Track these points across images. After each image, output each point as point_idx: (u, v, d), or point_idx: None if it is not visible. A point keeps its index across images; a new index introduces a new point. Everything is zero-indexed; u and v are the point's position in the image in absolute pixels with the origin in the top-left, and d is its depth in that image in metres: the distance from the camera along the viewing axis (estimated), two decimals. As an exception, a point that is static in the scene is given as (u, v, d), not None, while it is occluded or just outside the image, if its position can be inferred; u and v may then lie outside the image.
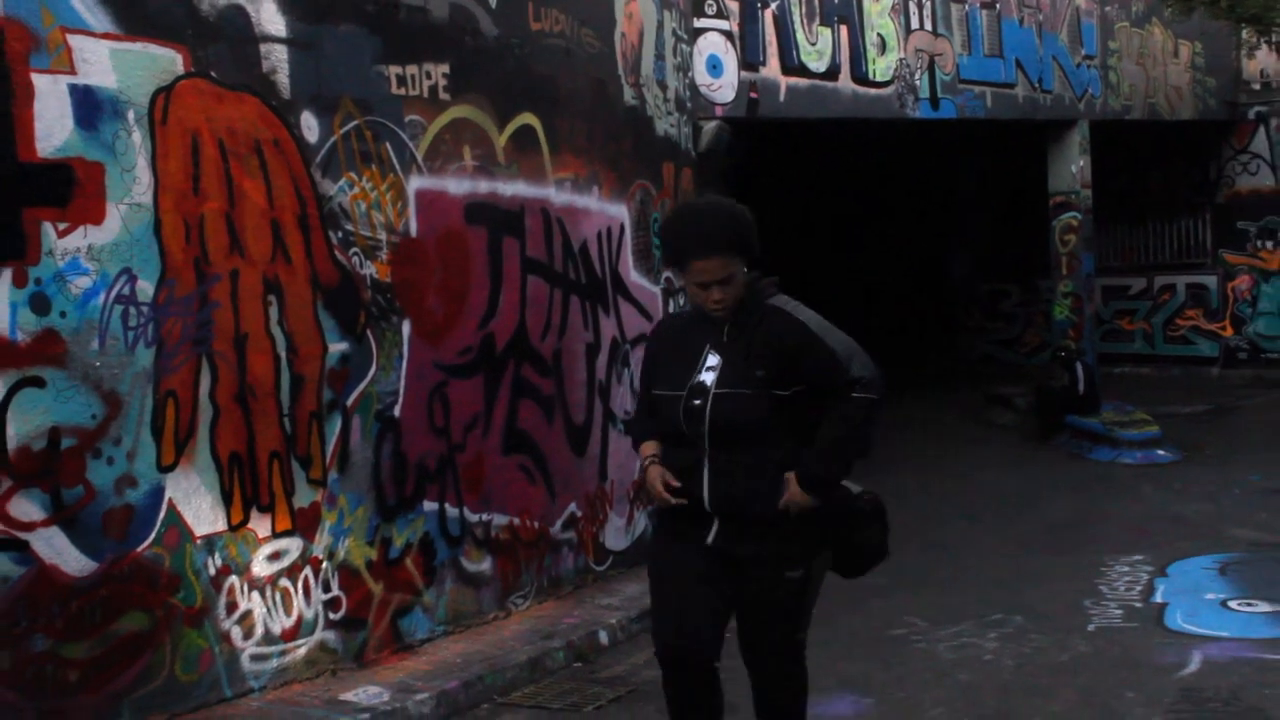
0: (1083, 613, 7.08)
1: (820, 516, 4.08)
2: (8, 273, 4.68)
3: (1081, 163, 15.22)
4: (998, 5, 13.81)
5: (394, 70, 6.39)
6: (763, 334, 4.07)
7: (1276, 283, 18.02)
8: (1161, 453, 12.68)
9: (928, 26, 12.88)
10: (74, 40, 4.89)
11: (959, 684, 5.91)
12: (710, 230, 4.07)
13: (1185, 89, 17.10)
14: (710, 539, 4.09)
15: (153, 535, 5.20)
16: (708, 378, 4.07)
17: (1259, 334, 18.21)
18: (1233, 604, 7.12)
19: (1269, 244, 18.05)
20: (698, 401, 4.05)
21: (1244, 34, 15.55)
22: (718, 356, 4.09)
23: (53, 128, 4.82)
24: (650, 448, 4.26)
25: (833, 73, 11.79)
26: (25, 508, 4.76)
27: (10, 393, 4.70)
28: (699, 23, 10.50)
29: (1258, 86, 18.63)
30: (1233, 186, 18.40)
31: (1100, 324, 19.10)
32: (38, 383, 4.78)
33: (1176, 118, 16.99)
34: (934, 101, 12.94)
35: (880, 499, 4.28)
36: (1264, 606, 6.99)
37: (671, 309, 9.04)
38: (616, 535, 8.13)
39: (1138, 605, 7.18)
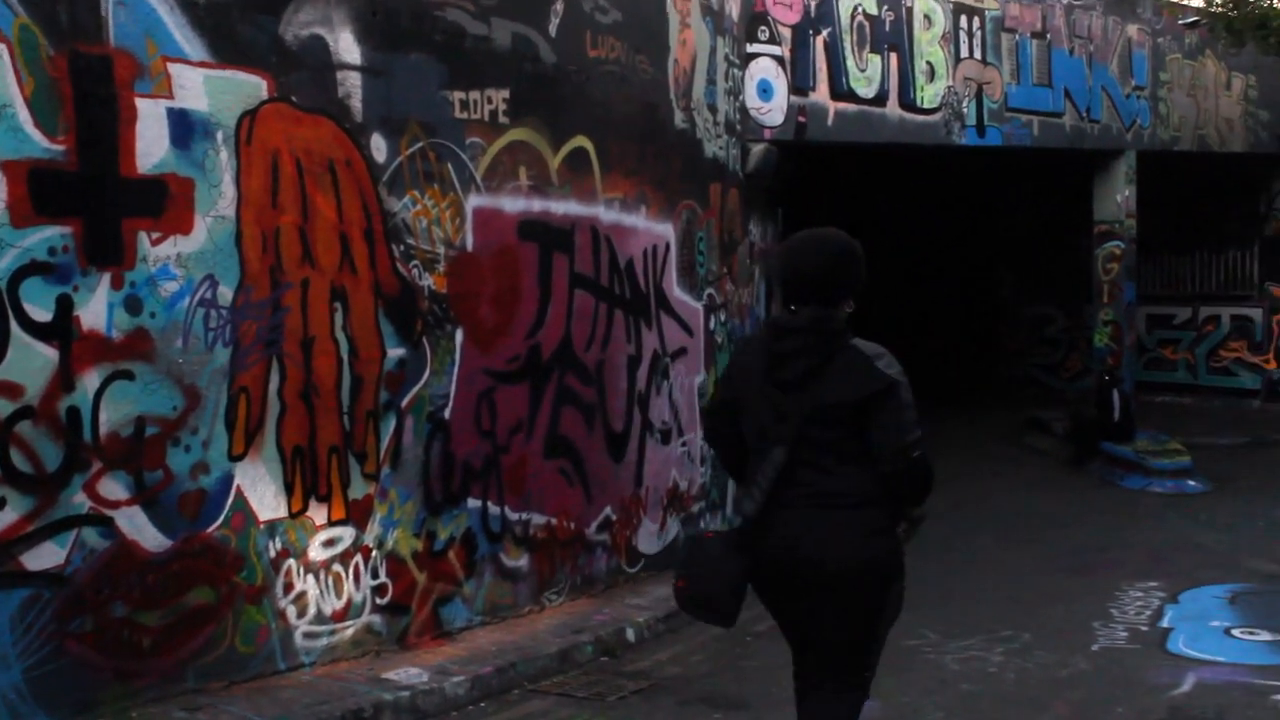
0: (1090, 633, 7.38)
1: None
2: (107, 276, 5.23)
3: (1127, 192, 15.37)
4: (1048, 35, 14.05)
5: (458, 95, 6.86)
6: None
7: (1321, 317, 18.11)
8: (1192, 483, 12.89)
9: (977, 55, 13.17)
10: (173, 68, 5.42)
11: (960, 693, 6.27)
12: None
13: (1237, 121, 17.20)
14: None
15: (221, 518, 5.71)
16: None
17: (1303, 368, 18.27)
18: (1236, 632, 7.38)
19: (1316, 279, 18.15)
20: None
21: (1293, 70, 15.66)
22: None
23: (151, 146, 5.35)
24: None
25: (881, 99, 12.12)
26: (111, 488, 5.29)
27: (104, 385, 5.24)
28: (751, 48, 10.88)
29: (1311, 121, 18.70)
30: (1281, 220, 18.52)
31: (1143, 352, 19.20)
32: (128, 375, 5.32)
33: (1226, 149, 17.08)
34: (980, 129, 13.22)
35: (684, 550, 4.38)
36: (1265, 635, 7.25)
37: (712, 325, 9.45)
38: (649, 539, 8.53)
39: (1144, 629, 7.47)
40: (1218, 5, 14.65)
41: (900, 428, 3.86)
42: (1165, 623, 7.62)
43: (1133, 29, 15.24)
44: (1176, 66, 16.04)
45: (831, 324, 3.96)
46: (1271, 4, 14.29)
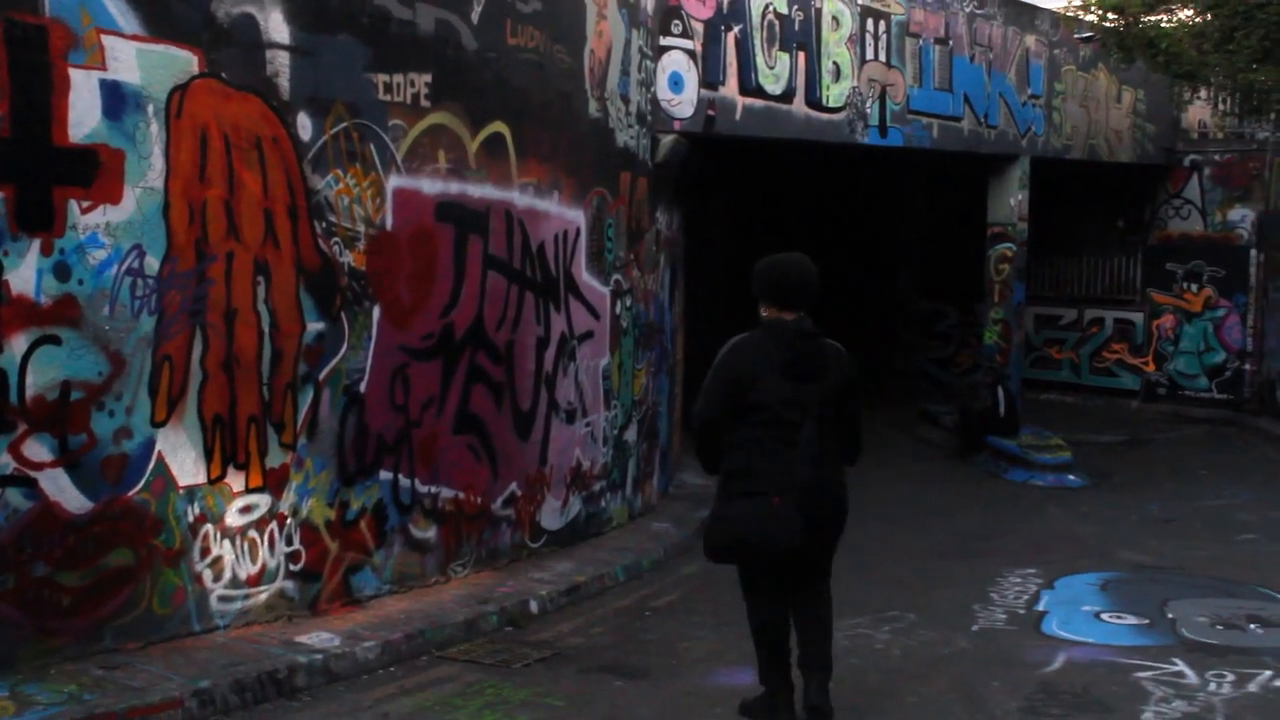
0: (971, 615, 7.78)
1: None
2: (37, 243, 5.33)
3: (1020, 196, 15.88)
4: (950, 41, 14.51)
5: (382, 78, 7.02)
6: None
7: (1198, 324, 18.76)
8: (1071, 478, 13.44)
9: (882, 58, 13.58)
10: (107, 40, 5.54)
11: (849, 666, 6.58)
12: None
13: (1126, 133, 17.89)
14: None
15: (142, 482, 5.85)
16: None
17: (1179, 372, 18.97)
18: (1105, 616, 7.82)
19: (1194, 286, 18.78)
20: None
21: (1176, 88, 16.28)
22: None
23: (83, 117, 5.47)
24: None
25: (788, 96, 12.45)
26: (36, 450, 5.41)
27: (32, 348, 5.35)
28: (664, 40, 11.11)
29: (1195, 135, 19.44)
30: (1164, 229, 19.15)
31: (1031, 351, 19.83)
32: (55, 341, 5.44)
33: (1115, 159, 17.75)
34: (883, 129, 13.63)
35: (715, 521, 5.47)
36: (1131, 619, 7.70)
37: (619, 310, 9.70)
38: (551, 516, 8.77)
39: (1021, 612, 7.89)
40: (1111, 22, 15.20)
41: (860, 409, 5.60)
42: (1041, 606, 8.03)
43: (1031, 40, 15.80)
44: (1071, 78, 16.63)
45: (815, 326, 5.39)
46: (1160, 25, 14.88)
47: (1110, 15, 15.03)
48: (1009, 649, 7.03)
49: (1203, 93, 17.17)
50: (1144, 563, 9.50)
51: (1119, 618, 7.76)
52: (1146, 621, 7.61)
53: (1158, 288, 19.18)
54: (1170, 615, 7.73)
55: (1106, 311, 19.80)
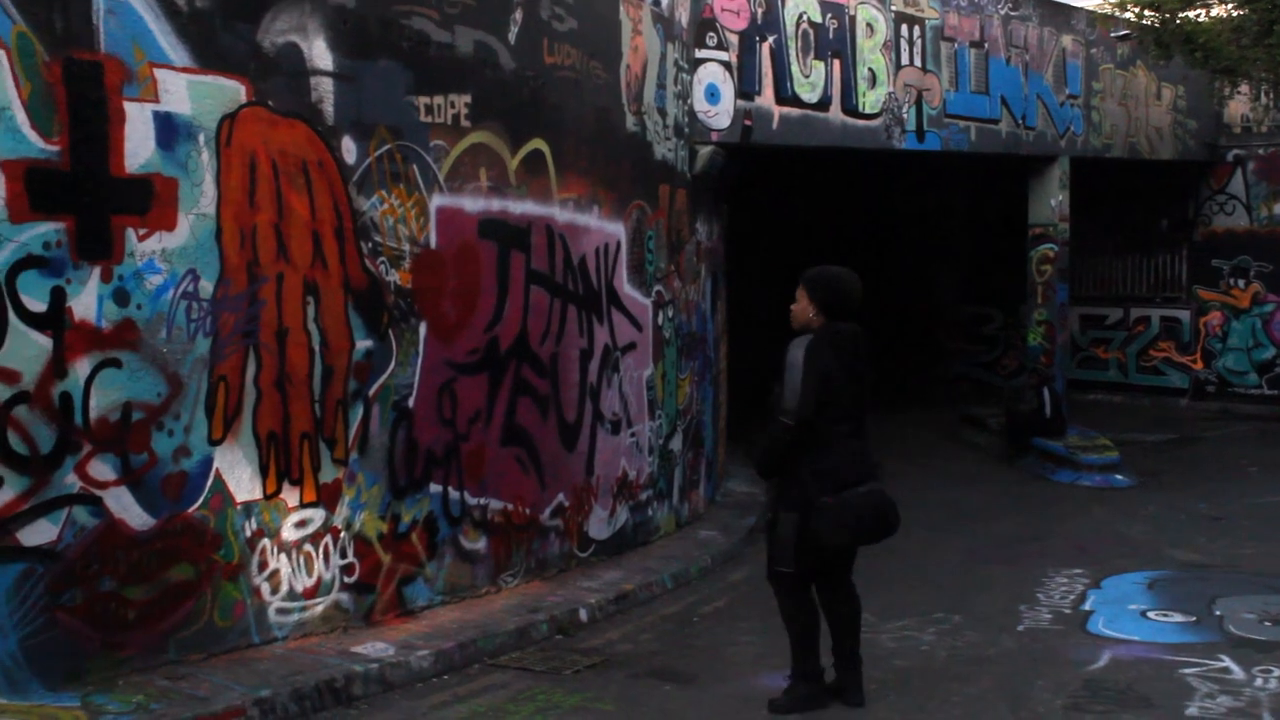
0: (1016, 615, 7.82)
1: (781, 490, 5.83)
2: (97, 270, 5.55)
3: (1061, 197, 15.91)
4: (986, 44, 14.57)
5: (423, 100, 7.19)
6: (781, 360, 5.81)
7: (1246, 320, 18.67)
8: (1119, 477, 13.39)
9: (917, 63, 13.66)
10: (159, 73, 5.75)
11: (894, 668, 6.69)
12: (808, 271, 5.98)
13: (1166, 130, 17.82)
14: None
15: (201, 499, 6.05)
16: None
17: (1227, 369, 18.86)
18: (1151, 614, 7.84)
19: (1241, 282, 18.70)
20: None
21: (1217, 83, 16.22)
22: None
23: (138, 148, 5.68)
24: None
25: (824, 104, 12.57)
26: (101, 469, 5.62)
27: (94, 372, 5.57)
28: (700, 53, 11.27)
29: (1237, 130, 19.33)
30: (1209, 225, 19.06)
31: (1076, 351, 19.79)
32: (116, 364, 5.65)
33: (1156, 157, 17.68)
34: (920, 134, 13.71)
35: (837, 509, 5.71)
36: (1178, 617, 7.71)
37: (660, 320, 9.84)
38: (599, 525, 8.91)
39: (1067, 612, 7.91)
40: (1147, 19, 15.18)
41: None
42: (1087, 606, 8.05)
43: (1067, 40, 15.82)
44: (1109, 76, 16.61)
45: None
46: (1197, 20, 14.84)
47: (1147, 12, 15.02)
48: (1054, 648, 7.07)
49: (1243, 87, 17.04)
50: (1192, 561, 9.49)
51: (1165, 616, 7.77)
52: (1193, 619, 7.62)
53: (1204, 284, 19.10)
54: (1218, 612, 7.74)
55: (1152, 310, 19.73)
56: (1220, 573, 9.02)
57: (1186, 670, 6.53)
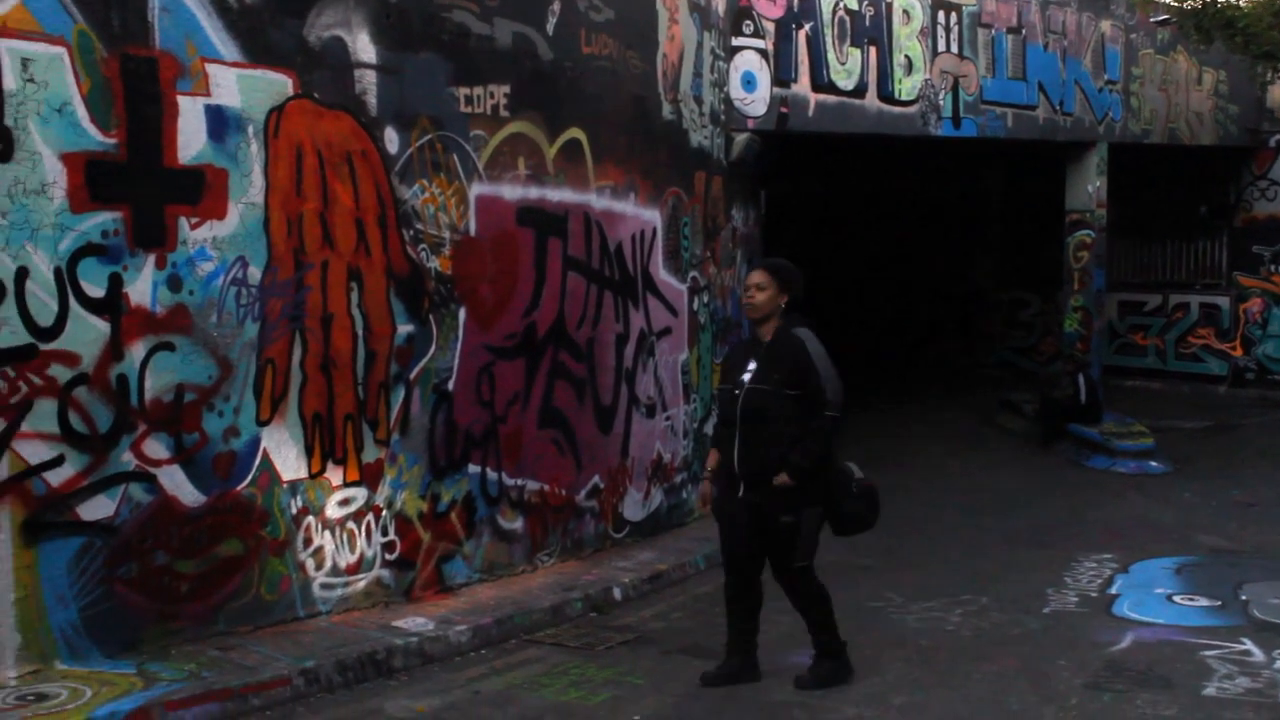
0: (1043, 598, 7.95)
1: (805, 486, 5.78)
2: (152, 257, 5.80)
3: (1099, 183, 15.86)
4: (1023, 30, 14.56)
5: (463, 91, 7.39)
6: (783, 351, 5.86)
7: (1287, 307, 18.65)
8: (1153, 464, 13.44)
9: (954, 49, 13.69)
10: (210, 68, 5.98)
11: (919, 647, 6.84)
12: (766, 259, 6.39)
13: (1207, 115, 17.71)
14: (741, 494, 5.89)
15: (249, 477, 6.30)
16: (746, 377, 5.88)
17: (1267, 356, 18.73)
18: (1177, 598, 7.94)
19: (1281, 269, 18.67)
20: (738, 392, 5.88)
21: (1259, 68, 16.13)
22: (755, 364, 5.90)
23: (191, 140, 5.91)
24: (712, 459, 6.15)
25: (860, 91, 12.64)
26: (155, 448, 5.88)
27: (149, 355, 5.82)
28: (736, 41, 11.39)
29: (1280, 115, 19.22)
30: (1250, 211, 18.93)
31: (1115, 338, 19.75)
32: (169, 347, 5.90)
33: (1196, 142, 17.58)
34: (956, 120, 13.75)
35: (873, 485, 6.04)
36: (1203, 601, 7.82)
37: (696, 306, 10.00)
38: (634, 507, 9.10)
39: (1093, 595, 8.03)
40: (1188, 4, 15.13)
41: None
42: (1113, 590, 8.17)
43: (1106, 25, 15.78)
44: (1148, 61, 16.54)
45: None
46: (1237, 5, 14.79)
47: (1186, -3, 14.99)
48: (1078, 630, 7.20)
49: (1280, 74, 16.95)
50: (1222, 547, 9.57)
51: (1191, 600, 7.87)
52: (1218, 603, 7.73)
53: (1244, 271, 18.97)
54: (1244, 597, 7.84)
55: (1192, 296, 19.63)
56: (1249, 558, 9.11)
57: (1207, 653, 6.66)
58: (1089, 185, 15.91)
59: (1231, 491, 11.96)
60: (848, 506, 5.94)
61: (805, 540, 5.86)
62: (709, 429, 10.27)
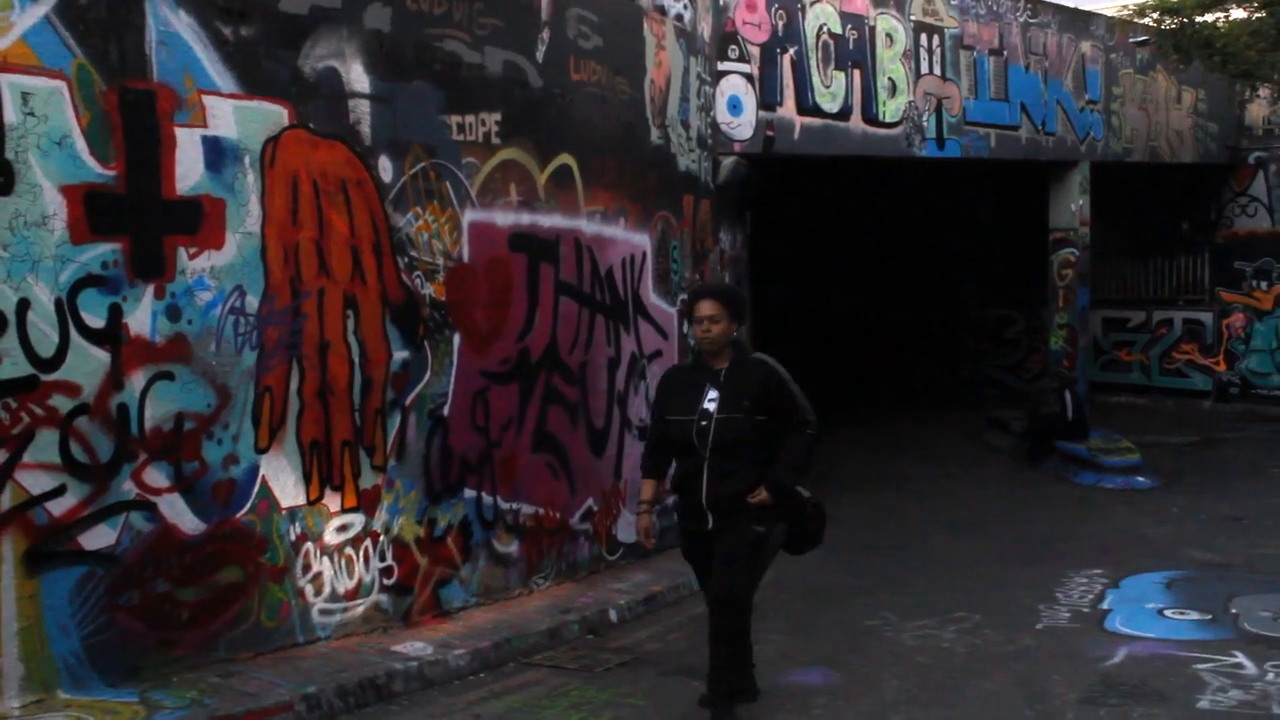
0: (1035, 614, 8.00)
1: (780, 503, 5.75)
2: (151, 288, 5.85)
3: (1081, 202, 15.97)
4: (1005, 52, 14.70)
5: (455, 119, 7.46)
6: (748, 377, 5.75)
7: (1269, 321, 18.67)
8: (1141, 479, 13.49)
9: (937, 71, 13.82)
10: (207, 100, 6.05)
11: (915, 665, 6.90)
12: (714, 287, 6.05)
13: (1187, 133, 17.89)
14: (710, 526, 5.75)
15: (249, 504, 6.34)
16: (711, 406, 5.71)
17: (1251, 370, 18.87)
18: (1168, 612, 8.00)
19: (1264, 284, 18.71)
20: (704, 423, 5.69)
21: (1237, 86, 16.30)
22: (716, 392, 5.73)
23: (188, 171, 5.98)
24: (648, 490, 6.04)
25: (845, 113, 12.74)
26: (155, 476, 5.92)
27: (149, 384, 5.87)
28: (722, 65, 11.47)
29: (1260, 132, 19.38)
30: (1231, 227, 19.09)
31: (1100, 354, 19.86)
32: (169, 376, 5.95)
33: (1177, 160, 17.75)
34: (940, 141, 13.86)
35: (823, 504, 6.01)
36: (1194, 615, 7.88)
37: (685, 329, 10.06)
38: (628, 529, 9.11)
39: (1085, 611, 8.08)
40: (1166, 24, 15.30)
41: None
42: (1105, 605, 8.21)
43: (1086, 46, 15.94)
44: (1129, 81, 16.71)
45: None
46: (1215, 25, 14.97)
47: (1165, 17, 15.14)
48: (1072, 645, 7.25)
49: (1264, 90, 17.13)
50: (1211, 561, 9.61)
51: (1182, 614, 7.93)
52: (1209, 617, 7.79)
53: (1226, 287, 19.13)
54: (1234, 611, 7.90)
55: (1175, 312, 19.77)
56: (1239, 572, 9.17)
57: (1200, 666, 6.72)
58: (1072, 204, 16.02)
59: (1219, 505, 12.02)
60: (810, 525, 5.98)
61: (768, 555, 5.86)
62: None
